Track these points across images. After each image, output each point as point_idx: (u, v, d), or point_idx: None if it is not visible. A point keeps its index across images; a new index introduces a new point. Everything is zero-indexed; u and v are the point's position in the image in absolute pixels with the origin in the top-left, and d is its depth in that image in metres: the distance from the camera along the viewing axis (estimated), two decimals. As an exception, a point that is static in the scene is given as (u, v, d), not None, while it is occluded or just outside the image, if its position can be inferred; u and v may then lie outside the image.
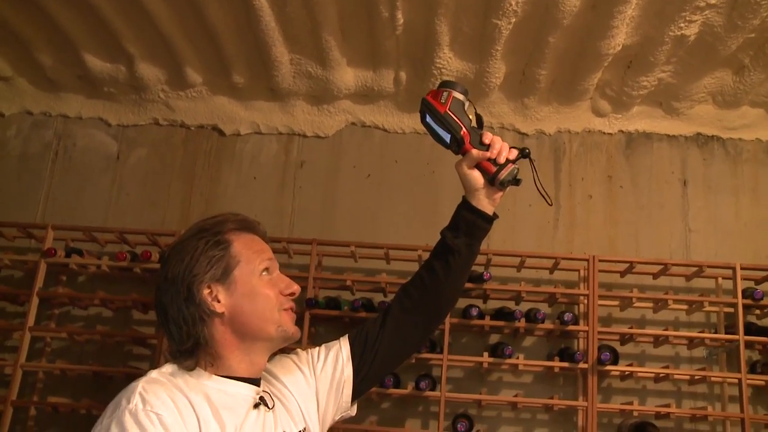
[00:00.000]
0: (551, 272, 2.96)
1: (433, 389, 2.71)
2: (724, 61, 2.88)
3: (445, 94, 1.43)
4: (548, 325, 2.75)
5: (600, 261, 2.81)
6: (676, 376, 2.80)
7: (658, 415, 2.75)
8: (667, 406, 2.71)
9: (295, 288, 1.35)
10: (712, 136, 3.24)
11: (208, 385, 1.29)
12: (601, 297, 2.78)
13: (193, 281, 1.30)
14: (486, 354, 2.74)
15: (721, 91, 3.07)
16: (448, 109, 1.42)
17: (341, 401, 1.45)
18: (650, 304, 2.89)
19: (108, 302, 2.90)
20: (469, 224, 1.51)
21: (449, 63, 2.92)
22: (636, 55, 2.85)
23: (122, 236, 2.92)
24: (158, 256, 2.83)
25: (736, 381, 2.66)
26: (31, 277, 2.86)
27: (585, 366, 2.67)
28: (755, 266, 2.84)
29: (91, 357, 2.96)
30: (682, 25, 2.60)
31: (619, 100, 3.12)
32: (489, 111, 3.24)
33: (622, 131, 3.27)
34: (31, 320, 2.75)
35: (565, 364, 2.70)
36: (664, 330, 2.82)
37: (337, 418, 1.47)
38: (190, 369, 1.29)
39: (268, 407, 1.32)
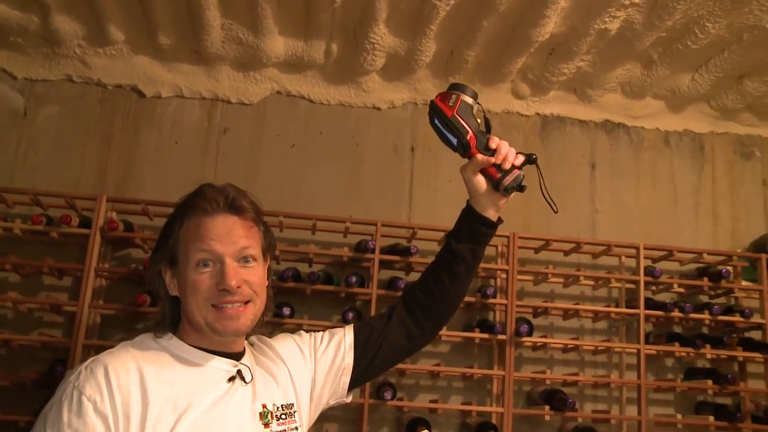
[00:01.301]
0: (470, 247, 3.08)
1: (358, 358, 2.78)
2: (637, 56, 3.08)
3: (453, 97, 1.43)
4: (470, 298, 2.87)
5: (519, 238, 2.96)
6: (584, 347, 3.01)
7: (565, 383, 2.96)
8: (576, 374, 2.93)
9: (227, 284, 1.25)
10: (619, 124, 3.47)
11: (179, 355, 1.30)
12: (519, 272, 2.94)
13: (156, 265, 1.34)
14: (411, 325, 2.83)
15: (630, 82, 3.28)
16: (456, 113, 1.42)
17: (338, 387, 1.47)
18: (561, 280, 3.09)
19: (18, 267, 2.75)
20: (472, 230, 1.51)
21: (383, 39, 2.95)
22: (560, 43, 2.99)
23: (36, 198, 2.78)
24: (78, 220, 2.72)
25: (635, 351, 2.91)
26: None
27: (503, 337, 2.82)
28: (656, 246, 3.08)
29: (-1, 324, 2.82)
30: (606, 19, 2.76)
31: (539, 85, 3.27)
32: (414, 87, 3.31)
33: (538, 114, 3.43)
34: (-66, 285, 2.58)
35: (485, 335, 2.84)
36: (575, 304, 3.02)
37: (332, 402, 1.50)
38: (160, 336, 1.33)
39: (245, 381, 1.33)
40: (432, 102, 1.45)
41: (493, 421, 2.82)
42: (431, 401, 2.91)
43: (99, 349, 2.63)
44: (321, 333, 1.51)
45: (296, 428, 1.39)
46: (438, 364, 2.94)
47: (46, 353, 2.76)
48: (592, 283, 3.12)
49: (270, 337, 1.49)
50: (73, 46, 3.06)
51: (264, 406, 1.33)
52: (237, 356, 1.36)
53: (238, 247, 1.29)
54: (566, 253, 3.10)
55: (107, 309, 2.75)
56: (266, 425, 1.32)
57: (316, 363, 1.46)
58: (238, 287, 1.26)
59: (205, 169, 3.15)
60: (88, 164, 3.10)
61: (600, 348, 3.01)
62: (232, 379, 1.32)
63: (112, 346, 1.29)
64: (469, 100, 1.44)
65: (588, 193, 3.37)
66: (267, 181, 3.19)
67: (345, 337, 1.49)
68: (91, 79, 3.16)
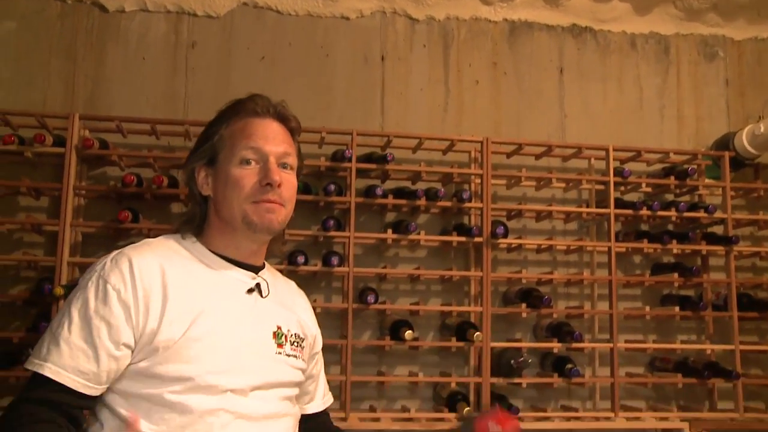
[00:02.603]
0: (444, 153, 3.13)
1: (339, 266, 2.85)
2: (605, -44, 3.08)
3: None
4: (447, 202, 2.94)
5: (493, 143, 3.01)
6: (557, 247, 3.13)
7: (540, 281, 3.08)
8: (550, 273, 3.05)
9: (272, 178, 1.33)
10: (586, 27, 3.49)
11: (200, 258, 1.36)
12: (492, 176, 3.00)
13: (193, 163, 1.40)
14: (390, 231, 2.90)
15: (597, -15, 3.29)
16: None
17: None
18: (533, 183, 3.17)
19: (-5, 188, 2.73)
20: None
21: (352, -56, 2.90)
22: (530, -55, 2.98)
23: (5, 118, 2.72)
24: (52, 139, 2.68)
25: (606, 249, 3.03)
26: None
27: (480, 239, 2.91)
28: (625, 148, 3.17)
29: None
30: None
31: (507, -10, 3.27)
32: (383, -5, 3.28)
33: (506, 20, 3.43)
34: None
35: (462, 239, 2.93)
36: (548, 206, 3.11)
37: None
38: (185, 238, 1.39)
39: (262, 295, 1.39)
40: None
41: (472, 320, 2.94)
42: (412, 304, 3.01)
43: (83, 267, 2.67)
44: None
45: (303, 361, 1.46)
46: (417, 268, 3.02)
47: (30, 272, 2.78)
48: (563, 185, 3.21)
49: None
50: (29, -42, 2.94)
51: (279, 327, 1.39)
52: (256, 269, 1.42)
53: (281, 150, 1.38)
54: (537, 156, 3.17)
55: (88, 227, 2.76)
56: (280, 345, 1.38)
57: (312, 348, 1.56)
58: (279, 185, 1.33)
59: (175, 84, 3.11)
60: (54, 82, 3.03)
61: (572, 247, 3.13)
62: (250, 291, 1.37)
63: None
64: None
65: (557, 97, 3.42)
66: (238, 94, 3.10)
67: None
68: (50, -8, 3.06)
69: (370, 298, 2.79)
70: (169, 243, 1.37)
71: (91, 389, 1.20)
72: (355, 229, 2.88)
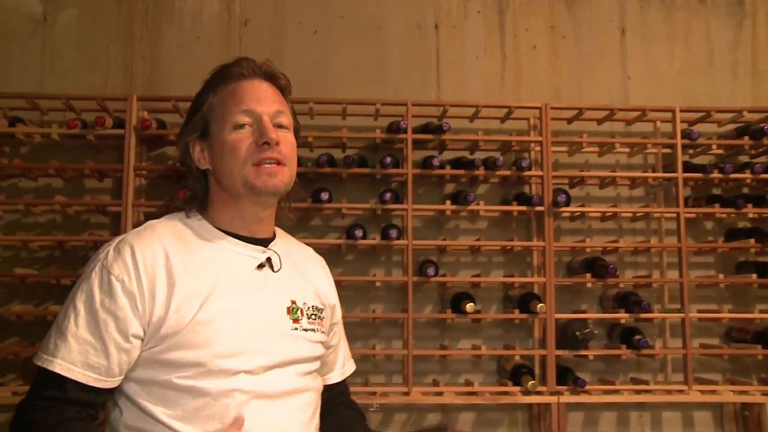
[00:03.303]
0: (503, 122, 3.05)
1: (398, 239, 2.82)
2: None
3: None
4: (505, 171, 2.87)
5: (552, 108, 2.91)
6: (622, 215, 3.02)
7: (605, 251, 2.98)
8: (615, 242, 2.95)
9: (268, 136, 1.27)
10: (650, -16, 3.34)
11: (205, 236, 1.31)
12: (553, 144, 2.91)
13: (185, 138, 1.35)
14: (448, 202, 2.85)
15: (661, -62, 3.13)
16: None
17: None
18: (596, 149, 3.06)
19: (61, 171, 2.80)
20: None
21: None
22: None
23: (69, 103, 2.78)
24: (112, 122, 2.73)
25: (674, 215, 2.90)
26: (-30, 150, 2.73)
27: (541, 209, 2.83)
28: (692, 108, 3.02)
29: (47, 228, 2.90)
30: None
31: (565, -51, 3.14)
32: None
33: (564, -19, 3.31)
34: (-18, 193, 2.65)
35: (523, 208, 2.85)
36: (611, 172, 2.99)
37: None
38: (189, 216, 1.34)
39: (273, 270, 1.34)
40: None
41: (536, 291, 2.87)
42: (473, 276, 2.96)
43: (146, 246, 2.72)
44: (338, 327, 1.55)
45: (323, 333, 1.40)
46: (477, 240, 2.97)
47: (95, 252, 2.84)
48: (627, 150, 3.09)
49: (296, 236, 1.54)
50: (85, -56, 2.99)
51: (293, 302, 1.34)
52: (266, 242, 1.36)
53: (274, 108, 1.31)
54: (599, 121, 3.05)
55: (150, 207, 2.81)
56: (295, 320, 1.32)
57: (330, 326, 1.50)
58: (277, 143, 1.28)
59: (229, 60, 3.11)
60: (113, 66, 3.09)
61: (638, 214, 3.01)
62: (260, 266, 1.32)
63: None
64: None
65: (619, 59, 3.28)
66: (292, 70, 3.05)
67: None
68: (106, -22, 3.11)
69: (430, 271, 2.75)
70: (173, 223, 1.32)
71: (104, 382, 1.17)
72: (414, 202, 2.84)
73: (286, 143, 1.31)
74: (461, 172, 2.86)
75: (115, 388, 1.21)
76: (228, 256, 1.29)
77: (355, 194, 2.98)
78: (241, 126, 1.29)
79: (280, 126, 1.32)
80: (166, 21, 3.13)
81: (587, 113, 3.00)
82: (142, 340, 1.20)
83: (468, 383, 2.83)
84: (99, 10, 3.12)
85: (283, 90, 1.38)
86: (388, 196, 2.78)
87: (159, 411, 1.18)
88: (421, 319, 2.95)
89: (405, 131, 2.83)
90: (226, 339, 1.21)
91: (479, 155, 2.96)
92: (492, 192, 3.11)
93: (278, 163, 1.29)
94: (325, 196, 2.77)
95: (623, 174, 2.97)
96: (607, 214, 2.99)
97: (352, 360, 1.60)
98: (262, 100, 1.31)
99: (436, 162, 2.82)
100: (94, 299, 1.18)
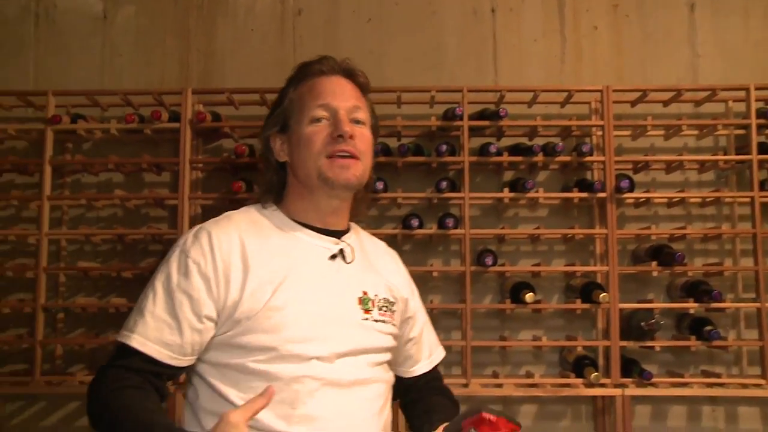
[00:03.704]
0: (562, 106, 2.95)
1: (455, 228, 2.76)
2: None
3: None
4: (565, 157, 2.77)
5: (614, 91, 2.80)
6: (690, 200, 2.88)
7: (672, 238, 2.86)
8: (682, 228, 2.81)
9: (342, 129, 1.30)
10: (721, -45, 3.16)
11: (280, 226, 1.35)
12: (615, 127, 2.80)
13: (267, 132, 1.41)
14: (506, 190, 2.78)
15: None
16: None
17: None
18: (661, 132, 2.93)
19: (120, 166, 2.85)
20: None
21: None
22: None
23: (126, 98, 2.83)
24: (168, 115, 2.76)
25: (748, 200, 2.75)
26: (36, 147, 2.80)
27: (603, 195, 2.72)
28: (768, 86, 2.85)
29: (109, 222, 2.96)
30: None
31: None
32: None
33: (626, -43, 3.17)
34: (47, 189, 2.71)
35: (584, 195, 2.75)
36: (678, 156, 2.86)
37: None
38: (266, 206, 1.39)
39: (346, 261, 1.36)
40: None
41: (599, 281, 2.77)
42: (533, 265, 2.88)
43: (203, 238, 2.74)
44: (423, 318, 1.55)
45: (394, 326, 1.40)
46: (537, 228, 2.88)
47: (157, 245, 2.89)
48: (695, 132, 2.94)
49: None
50: (141, -59, 3.02)
51: (365, 293, 1.35)
52: (339, 234, 1.39)
53: (350, 104, 1.35)
54: (665, 103, 2.91)
55: (206, 199, 2.83)
56: (366, 311, 1.34)
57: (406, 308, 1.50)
58: (351, 136, 1.31)
59: (284, 53, 3.12)
60: (169, 60, 3.12)
61: (708, 199, 2.87)
62: (333, 257, 1.35)
63: None
64: None
65: (687, 37, 3.12)
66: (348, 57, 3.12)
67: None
68: (162, -26, 3.14)
69: (488, 260, 2.69)
70: (249, 213, 1.37)
71: (176, 360, 1.22)
72: (472, 190, 2.78)
73: (362, 138, 1.35)
74: (519, 158, 2.77)
75: (188, 368, 1.26)
76: (302, 246, 1.33)
77: (411, 184, 2.93)
78: (318, 120, 1.33)
79: (356, 121, 1.35)
80: (220, 14, 3.15)
81: (652, 95, 2.86)
82: (216, 323, 1.24)
83: (529, 375, 2.76)
84: (156, 6, 3.16)
85: (362, 87, 1.42)
86: (444, 184, 2.72)
87: (233, 394, 1.22)
88: (481, 310, 2.88)
89: (461, 118, 2.76)
90: (298, 325, 1.24)
91: (538, 141, 2.87)
92: (552, 179, 3.01)
93: (352, 156, 1.32)
94: (380, 185, 2.73)
95: (691, 157, 2.83)
96: (674, 199, 2.86)
97: (441, 347, 1.60)
98: (339, 94, 1.35)
99: (492, 149, 2.74)
100: (172, 280, 1.23)
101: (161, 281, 1.25)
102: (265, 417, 1.18)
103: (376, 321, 1.34)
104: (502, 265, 2.83)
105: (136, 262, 2.86)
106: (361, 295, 1.34)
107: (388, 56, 3.13)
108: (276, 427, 1.19)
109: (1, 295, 2.89)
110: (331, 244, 1.36)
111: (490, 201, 2.92)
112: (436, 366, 1.57)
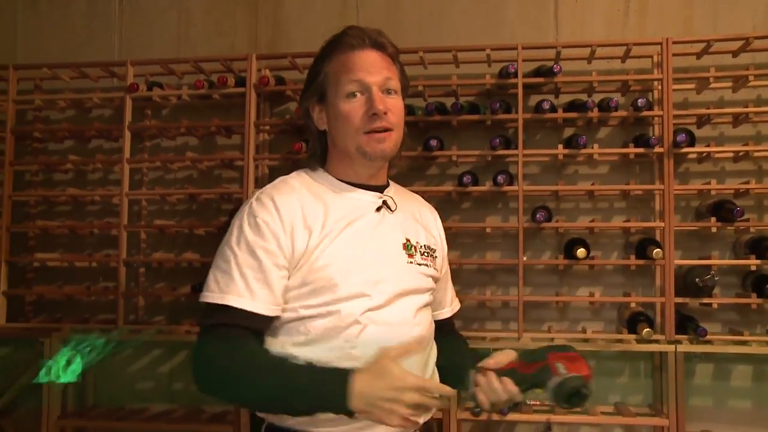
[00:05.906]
0: (623, 61, 2.89)
1: (510, 185, 2.79)
2: None
3: None
4: (621, 113, 2.74)
5: (674, 43, 2.72)
6: (756, 154, 2.78)
7: (737, 194, 2.77)
8: (747, 183, 2.73)
9: (377, 108, 1.41)
10: None
11: (330, 187, 1.49)
12: (676, 81, 2.73)
13: (306, 102, 1.52)
14: (560, 146, 2.78)
15: None
16: None
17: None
18: (729, 84, 2.83)
19: (193, 130, 3.05)
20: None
21: None
22: None
23: (197, 65, 3.01)
24: (234, 81, 2.92)
25: (820, 152, 2.64)
26: (119, 114, 3.02)
27: (661, 150, 2.68)
28: None
29: (184, 183, 3.17)
30: None
31: None
32: None
33: None
34: (126, 152, 2.94)
35: (641, 150, 2.71)
36: (744, 108, 2.76)
37: None
38: (314, 170, 1.54)
39: (390, 210, 1.51)
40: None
41: (657, 237, 2.74)
42: (590, 222, 2.87)
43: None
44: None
45: (435, 270, 1.55)
46: (592, 184, 2.87)
47: (228, 204, 3.09)
48: (766, 83, 2.82)
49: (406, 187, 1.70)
50: None
51: (408, 240, 1.51)
52: (380, 189, 1.54)
53: (382, 77, 1.44)
54: (734, 53, 2.81)
55: (272, 160, 2.99)
56: (410, 255, 1.49)
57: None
58: (385, 113, 1.42)
59: (347, 16, 3.20)
60: (239, 30, 3.28)
61: (778, 153, 2.76)
62: (379, 209, 1.49)
63: None
64: None
65: (762, -18, 2.98)
66: (408, 20, 3.18)
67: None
68: (233, -54, 3.29)
69: (540, 216, 2.71)
70: (302, 177, 1.51)
71: (271, 310, 1.36)
72: (532, 147, 2.80)
73: (395, 110, 1.45)
74: (573, 115, 2.76)
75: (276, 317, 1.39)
76: (351, 202, 1.48)
77: (469, 142, 2.97)
78: (353, 95, 1.43)
79: (389, 92, 1.46)
80: (286, -18, 3.27)
81: (717, 46, 2.76)
82: (288, 272, 1.38)
83: (584, 331, 2.78)
84: (227, -22, 3.32)
85: (392, 57, 1.50)
86: (497, 141, 2.76)
87: (294, 332, 1.38)
88: (538, 266, 2.92)
89: (515, 75, 2.78)
90: (355, 269, 1.39)
91: (597, 97, 2.84)
92: (614, 135, 2.97)
93: (386, 130, 1.44)
94: (434, 143, 2.79)
95: (758, 109, 2.72)
96: (740, 153, 2.77)
97: (457, 299, 1.76)
98: (371, 69, 1.44)
99: (545, 105, 2.74)
100: (249, 240, 1.37)
101: (238, 243, 1.37)
102: (324, 356, 1.33)
103: (419, 264, 1.50)
104: (557, 221, 2.84)
105: (209, 221, 3.06)
106: (404, 241, 1.49)
107: (449, 16, 3.15)
108: (334, 364, 1.32)
109: (91, 250, 3.19)
110: (375, 198, 1.50)
111: (548, 158, 2.92)
112: (453, 318, 1.73)
